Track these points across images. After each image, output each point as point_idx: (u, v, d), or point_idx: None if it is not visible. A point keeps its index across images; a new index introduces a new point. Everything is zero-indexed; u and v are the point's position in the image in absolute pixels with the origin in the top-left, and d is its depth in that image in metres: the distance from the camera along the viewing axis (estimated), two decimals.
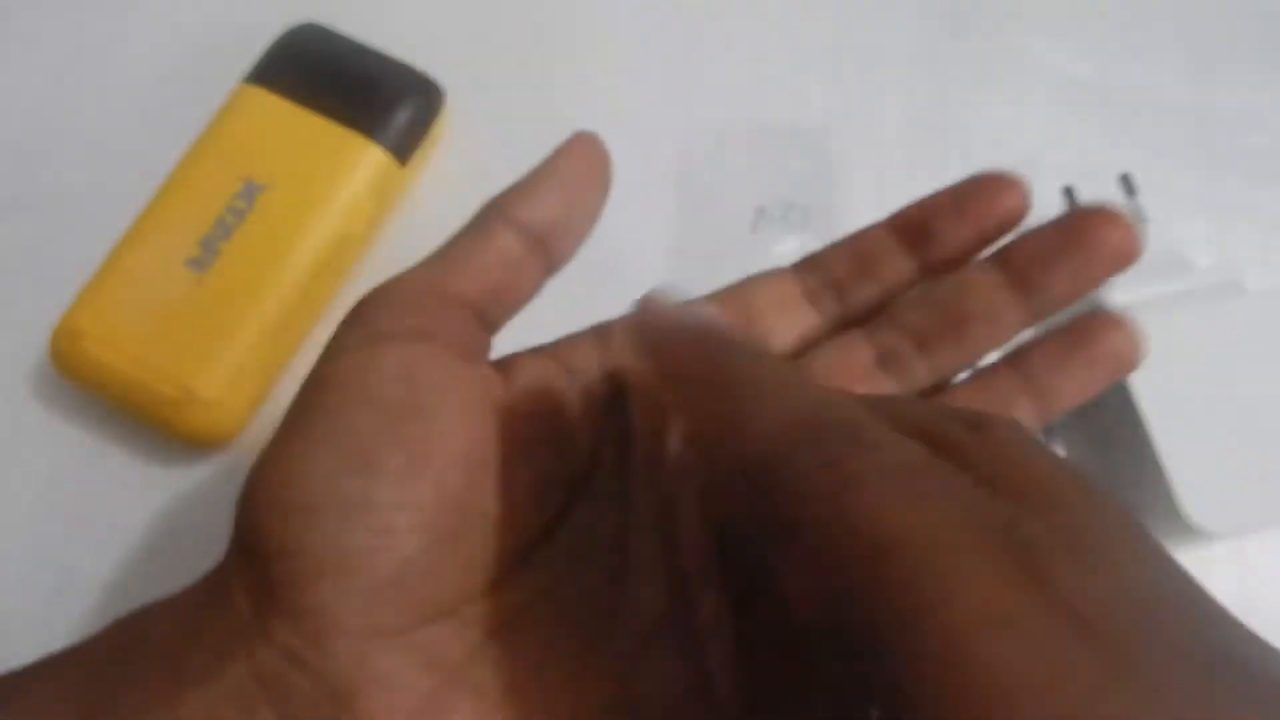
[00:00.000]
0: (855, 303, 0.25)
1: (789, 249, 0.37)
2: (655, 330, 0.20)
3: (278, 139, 0.35)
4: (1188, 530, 0.31)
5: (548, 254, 0.23)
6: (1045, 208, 0.37)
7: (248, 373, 0.34)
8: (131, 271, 0.34)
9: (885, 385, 0.24)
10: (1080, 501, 0.16)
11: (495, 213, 0.23)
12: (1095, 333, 0.23)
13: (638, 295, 0.21)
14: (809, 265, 0.25)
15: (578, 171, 0.23)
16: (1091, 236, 0.23)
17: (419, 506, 0.20)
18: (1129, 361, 0.23)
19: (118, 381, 0.33)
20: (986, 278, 0.24)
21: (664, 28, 0.42)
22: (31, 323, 0.35)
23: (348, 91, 0.36)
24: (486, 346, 0.23)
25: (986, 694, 0.12)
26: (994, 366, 0.24)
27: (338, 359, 0.21)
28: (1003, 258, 0.24)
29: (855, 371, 0.24)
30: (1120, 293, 0.33)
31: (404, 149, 0.36)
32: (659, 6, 0.42)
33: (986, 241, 0.24)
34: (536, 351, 0.24)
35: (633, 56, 0.41)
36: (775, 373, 0.18)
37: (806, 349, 0.25)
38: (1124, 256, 0.23)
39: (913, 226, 0.25)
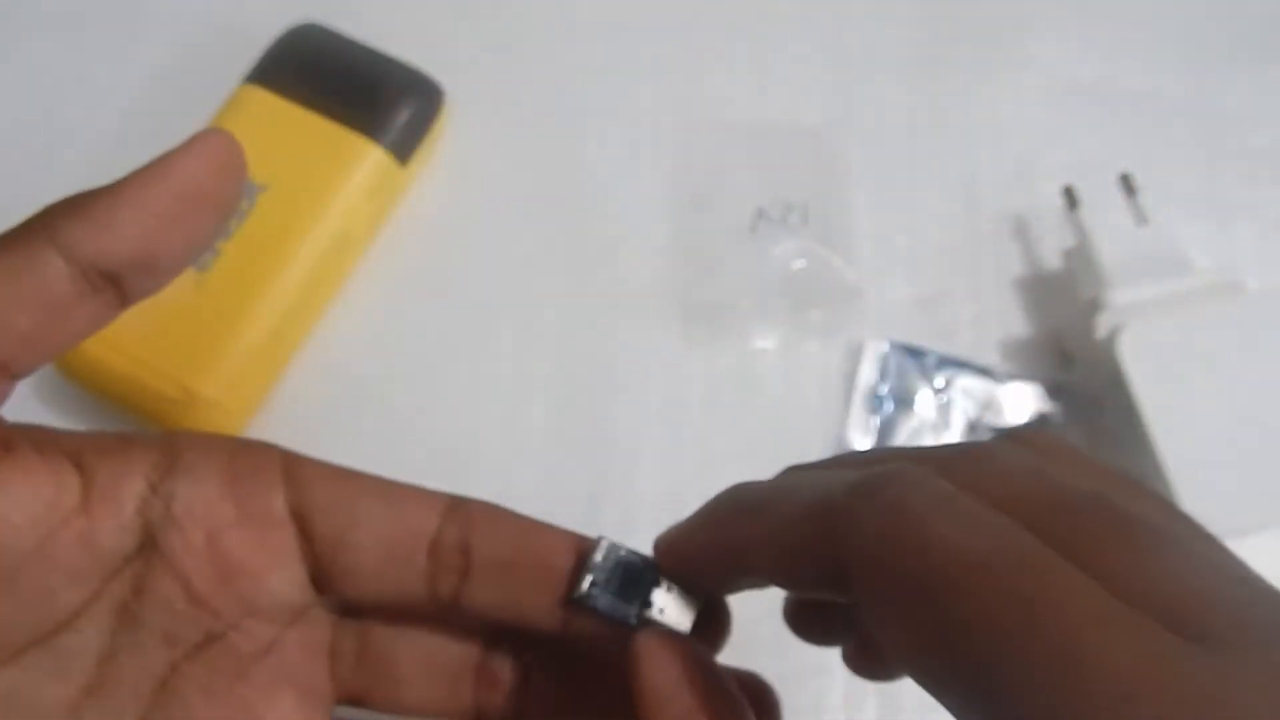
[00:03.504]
0: None
1: (788, 250, 0.37)
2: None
3: (278, 139, 0.35)
4: None
5: (120, 291, 0.18)
6: (1045, 208, 0.38)
7: (248, 373, 0.34)
8: None
9: None
10: (1139, 499, 0.16)
11: (45, 231, 0.17)
12: None
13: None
14: None
15: (185, 188, 0.18)
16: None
17: None
18: None
19: (118, 381, 0.33)
20: None
21: (664, 27, 0.42)
22: None
23: (348, 91, 0.36)
24: None
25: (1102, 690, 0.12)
26: None
27: None
28: None
29: None
30: (1121, 293, 0.33)
31: (404, 149, 0.36)
32: (659, 6, 0.42)
33: None
34: (78, 442, 0.18)
35: (632, 56, 0.41)
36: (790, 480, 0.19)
37: None
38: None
39: None
